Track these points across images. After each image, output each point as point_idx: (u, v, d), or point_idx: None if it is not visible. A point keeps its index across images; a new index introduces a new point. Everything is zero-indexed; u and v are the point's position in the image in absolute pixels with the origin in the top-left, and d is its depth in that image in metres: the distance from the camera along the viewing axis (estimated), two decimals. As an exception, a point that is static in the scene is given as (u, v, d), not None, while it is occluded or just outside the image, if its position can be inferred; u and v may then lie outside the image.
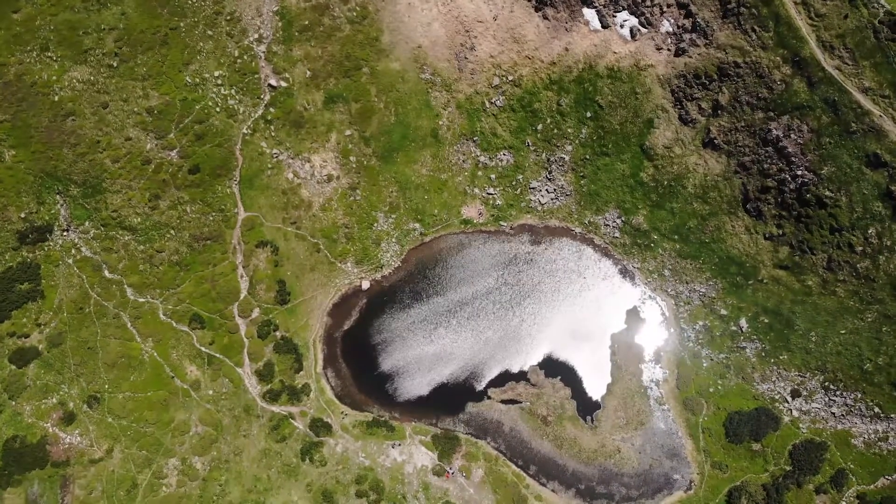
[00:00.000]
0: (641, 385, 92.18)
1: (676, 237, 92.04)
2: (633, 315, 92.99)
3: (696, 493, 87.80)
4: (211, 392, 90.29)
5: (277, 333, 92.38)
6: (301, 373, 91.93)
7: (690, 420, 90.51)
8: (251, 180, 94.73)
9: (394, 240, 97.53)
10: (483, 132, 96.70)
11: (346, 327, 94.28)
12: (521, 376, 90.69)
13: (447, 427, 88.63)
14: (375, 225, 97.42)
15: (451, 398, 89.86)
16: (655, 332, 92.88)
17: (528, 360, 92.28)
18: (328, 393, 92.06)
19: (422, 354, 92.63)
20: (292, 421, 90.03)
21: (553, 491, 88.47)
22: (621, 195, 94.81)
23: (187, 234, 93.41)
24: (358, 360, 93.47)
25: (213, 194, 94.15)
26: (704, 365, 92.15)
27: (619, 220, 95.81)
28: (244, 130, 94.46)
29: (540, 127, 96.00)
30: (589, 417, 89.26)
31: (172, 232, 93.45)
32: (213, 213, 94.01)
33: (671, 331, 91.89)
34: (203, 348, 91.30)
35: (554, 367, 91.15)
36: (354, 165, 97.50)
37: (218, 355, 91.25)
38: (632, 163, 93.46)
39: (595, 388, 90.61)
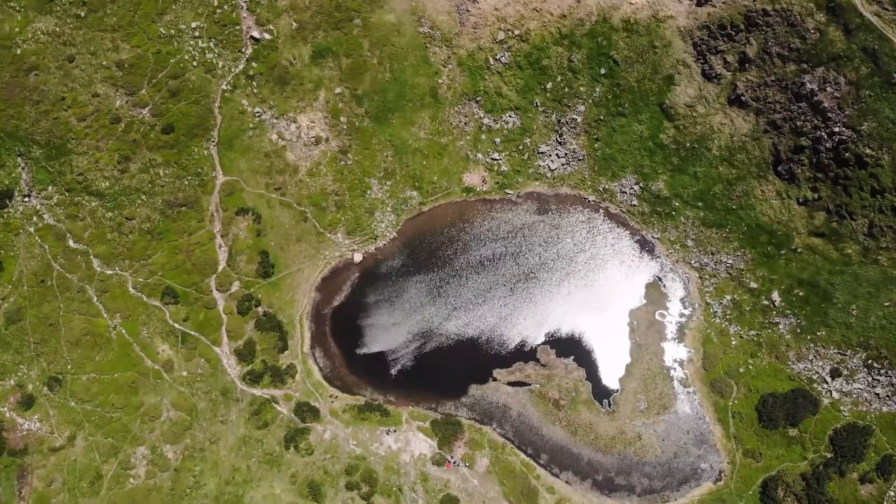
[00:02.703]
0: (664, 366, 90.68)
1: (700, 204, 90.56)
2: (654, 290, 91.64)
3: (727, 485, 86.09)
4: (185, 373, 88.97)
5: (259, 309, 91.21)
6: (286, 352, 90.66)
7: (719, 404, 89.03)
8: (231, 141, 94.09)
9: (389, 209, 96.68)
10: (487, 92, 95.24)
11: (336, 303, 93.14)
12: (530, 356, 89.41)
13: (448, 412, 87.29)
14: (369, 192, 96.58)
15: (453, 380, 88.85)
16: (678, 308, 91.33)
17: (537, 338, 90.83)
18: (316, 374, 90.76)
19: (420, 333, 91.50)
20: (275, 405, 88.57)
21: (567, 482, 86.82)
22: (639, 159, 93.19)
23: (160, 199, 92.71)
24: (349, 338, 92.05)
25: (189, 156, 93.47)
26: (733, 343, 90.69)
27: (636, 187, 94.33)
28: (223, 87, 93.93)
29: (549, 86, 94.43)
30: (606, 401, 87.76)
31: (144, 197, 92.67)
32: (189, 177, 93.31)
33: (696, 306, 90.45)
34: (177, 325, 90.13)
35: (566, 347, 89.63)
36: (345, 127, 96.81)
37: (193, 333, 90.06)
38: (650, 123, 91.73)
39: (612, 369, 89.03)
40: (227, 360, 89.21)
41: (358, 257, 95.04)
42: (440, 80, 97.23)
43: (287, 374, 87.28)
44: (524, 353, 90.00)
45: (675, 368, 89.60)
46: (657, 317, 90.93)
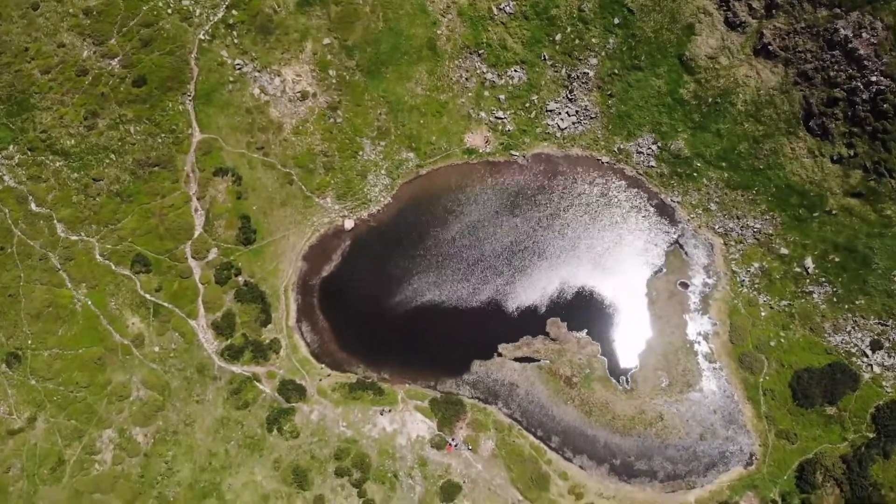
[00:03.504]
0: (687, 339, 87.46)
1: (724, 164, 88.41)
2: (674, 258, 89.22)
3: (759, 469, 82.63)
4: (157, 349, 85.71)
5: (240, 279, 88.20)
6: (269, 326, 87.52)
7: (748, 380, 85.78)
8: (209, 96, 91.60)
9: (383, 171, 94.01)
10: (490, 44, 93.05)
11: (324, 273, 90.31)
12: (539, 330, 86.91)
13: (449, 390, 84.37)
14: (360, 153, 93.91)
15: (454, 356, 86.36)
16: (702, 277, 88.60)
17: (546, 311, 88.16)
18: (302, 350, 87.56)
19: (417, 305, 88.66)
20: (257, 384, 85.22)
21: (581, 467, 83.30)
22: (657, 116, 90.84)
23: (130, 158, 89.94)
24: (339, 311, 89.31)
25: (163, 112, 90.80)
26: (763, 314, 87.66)
27: (654, 147, 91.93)
28: (201, 36, 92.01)
29: (558, 37, 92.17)
30: (623, 378, 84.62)
31: (112, 156, 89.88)
32: (163, 135, 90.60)
33: (721, 275, 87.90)
34: (148, 296, 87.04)
35: (578, 320, 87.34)
36: (334, 81, 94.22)
37: (166, 304, 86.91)
38: (669, 77, 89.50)
39: (630, 343, 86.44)
40: (204, 335, 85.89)
41: (349, 224, 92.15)
42: (439, 31, 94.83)
43: (270, 350, 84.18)
44: (532, 327, 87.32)
45: (699, 342, 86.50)
46: (678, 287, 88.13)
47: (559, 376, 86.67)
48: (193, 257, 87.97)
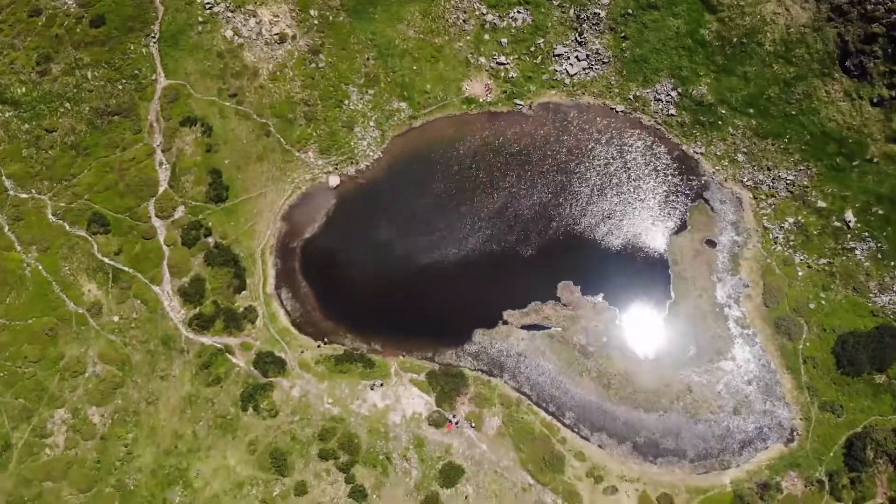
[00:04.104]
0: (715, 302, 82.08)
1: (752, 111, 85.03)
2: (699, 214, 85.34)
3: (802, 446, 76.62)
4: (116, 319, 79.59)
5: (210, 240, 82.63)
6: (243, 293, 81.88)
7: (786, 347, 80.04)
8: (175, 38, 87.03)
9: (372, 123, 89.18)
10: None
11: (307, 235, 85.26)
12: (549, 294, 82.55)
13: (448, 362, 79.21)
14: (346, 102, 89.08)
15: (454, 324, 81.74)
16: (730, 235, 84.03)
17: (556, 273, 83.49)
18: (282, 319, 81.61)
19: (411, 268, 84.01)
20: (230, 357, 79.11)
21: (600, 446, 77.15)
22: (676, 60, 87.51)
23: (87, 107, 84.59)
24: (324, 277, 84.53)
25: (124, 55, 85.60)
26: (800, 274, 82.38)
27: (674, 93, 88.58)
28: None
29: None
30: (645, 347, 78.36)
31: (68, 105, 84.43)
32: (124, 81, 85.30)
33: (751, 232, 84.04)
34: (107, 260, 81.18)
35: (593, 283, 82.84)
36: (316, 22, 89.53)
37: (127, 269, 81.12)
38: (688, 17, 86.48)
39: (651, 307, 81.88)
40: (170, 302, 79.78)
41: (334, 181, 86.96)
42: None
43: (245, 319, 78.45)
44: (541, 291, 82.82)
45: (729, 306, 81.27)
46: (704, 245, 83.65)
47: (573, 345, 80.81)
48: (157, 216, 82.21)
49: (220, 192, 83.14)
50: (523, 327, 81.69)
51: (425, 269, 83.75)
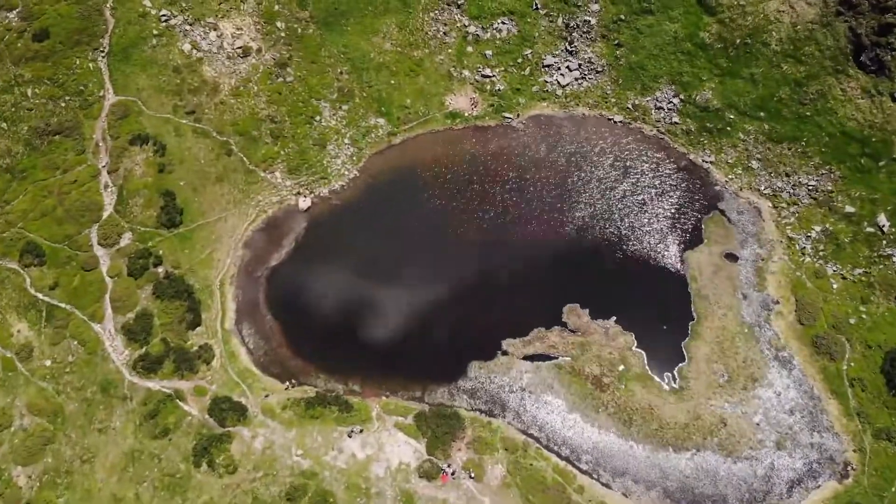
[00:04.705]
0: (743, 322, 75.90)
1: (763, 114, 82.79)
2: (715, 226, 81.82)
3: (859, 481, 68.51)
4: (48, 363, 72.33)
5: (160, 269, 76.53)
6: (198, 329, 75.35)
7: (829, 369, 73.29)
8: (127, 52, 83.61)
9: (347, 140, 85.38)
10: None
11: (273, 263, 79.60)
12: (554, 320, 76.99)
13: (440, 401, 72.76)
14: (318, 118, 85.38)
15: (445, 356, 75.45)
16: (752, 247, 79.83)
17: (561, 296, 78.17)
18: (242, 358, 74.31)
19: (394, 297, 78.05)
20: (181, 404, 70.98)
21: (624, 494, 68.69)
22: (676, 65, 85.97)
23: (26, 127, 79.31)
24: (293, 309, 78.33)
25: (69, 71, 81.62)
26: (834, 286, 76.87)
27: (676, 100, 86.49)
28: None
29: None
30: (668, 375, 72.94)
31: (4, 125, 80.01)
32: (68, 98, 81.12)
33: (774, 243, 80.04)
34: (41, 295, 75.03)
35: (603, 305, 77.46)
36: (283, 35, 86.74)
37: (63, 305, 74.64)
38: (686, 20, 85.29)
39: (672, 330, 76.05)
40: (111, 342, 72.39)
41: (304, 203, 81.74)
42: None
43: (199, 360, 71.87)
44: (545, 316, 77.12)
45: (760, 325, 75.28)
46: (724, 260, 79.15)
47: (585, 377, 73.35)
48: (101, 244, 75.76)
49: (174, 217, 77.29)
50: (526, 358, 75.31)
51: (410, 297, 77.75)
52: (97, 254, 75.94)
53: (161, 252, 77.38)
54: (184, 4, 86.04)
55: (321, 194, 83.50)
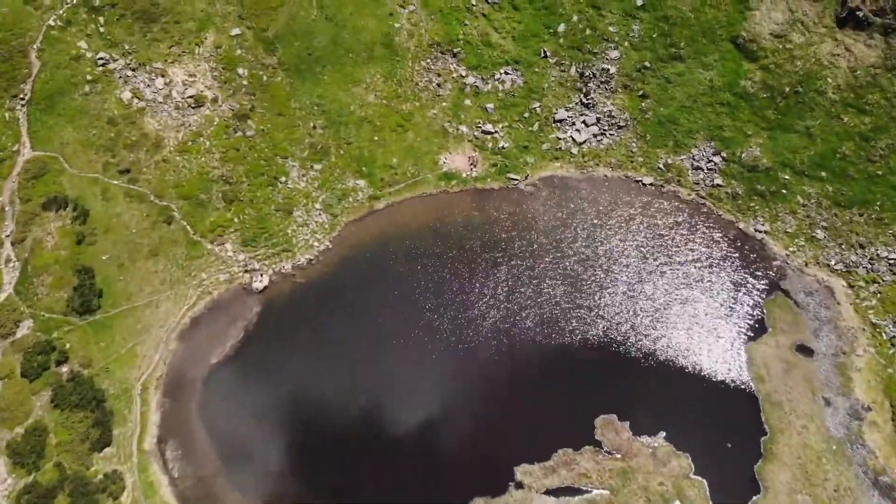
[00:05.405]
0: (829, 437, 60.74)
1: (825, 174, 73.15)
2: (781, 310, 68.54)
3: None
4: None
5: (64, 369, 64.12)
6: (106, 451, 60.93)
7: (952, 501, 54.99)
8: (52, 100, 72.93)
9: (318, 205, 74.23)
10: (469, 41, 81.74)
11: (214, 360, 66.34)
12: (584, 437, 61.14)
13: None
14: (283, 180, 73.85)
15: (438, 490, 58.87)
16: (829, 338, 67.43)
17: (592, 405, 62.93)
18: (163, 491, 59.48)
19: (372, 406, 62.69)
20: (73, 559, 51.35)
21: None
22: (714, 118, 77.20)
23: (-89, 188, 63.82)
24: (235, 423, 62.48)
25: (-23, 121, 66.96)
26: (942, 387, 60.20)
27: (717, 158, 77.16)
28: (50, 22, 73.89)
29: (561, 28, 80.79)
30: (740, 512, 53.67)
31: None
32: (-30, 170, 66.71)
33: (857, 331, 66.44)
34: None
35: (647, 416, 62.12)
36: (246, 83, 75.36)
37: (-74, 419, 55.93)
38: (722, 67, 77.38)
39: (740, 449, 60.40)
40: (-13, 469, 53.78)
41: (260, 282, 68.51)
42: (397, 25, 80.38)
43: (103, 493, 57.81)
44: (572, 433, 61.46)
45: (851, 441, 61.29)
46: (796, 354, 66.39)
47: (628, 515, 54.49)
48: (-10, 335, 58.55)
49: (89, 300, 64.18)
50: (548, 492, 58.69)
51: (393, 409, 62.15)
52: (-17, 348, 58.66)
53: (68, 346, 63.30)
54: (127, 47, 74.42)
55: (282, 270, 70.33)
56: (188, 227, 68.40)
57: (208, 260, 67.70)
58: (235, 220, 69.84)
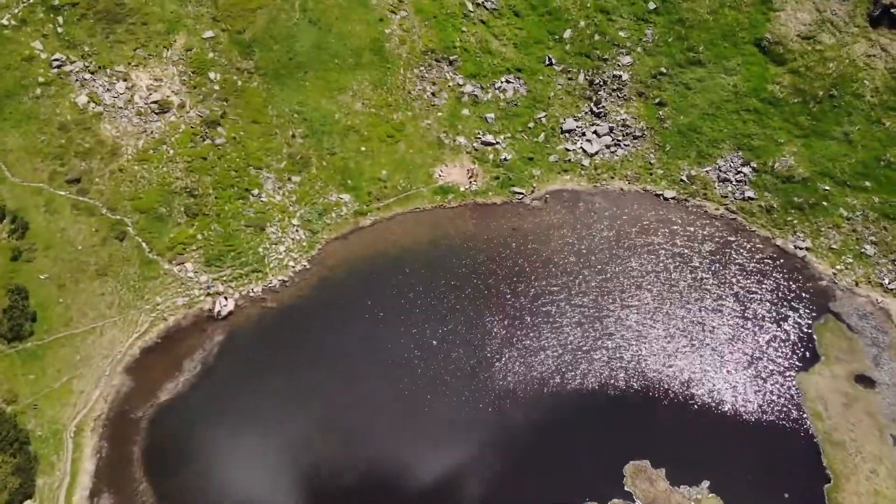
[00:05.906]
0: (909, 484, 48.85)
1: (870, 183, 67.67)
2: (833, 336, 60.79)
3: None
4: None
5: None
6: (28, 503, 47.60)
7: None
8: None
9: (296, 220, 67.86)
10: (467, 48, 76.33)
11: (164, 398, 56.80)
12: (613, 488, 52.39)
13: None
14: (256, 192, 66.71)
15: None
16: (891, 365, 59.68)
17: (620, 449, 54.56)
18: None
19: (352, 454, 54.19)
20: None
21: None
22: (741, 126, 71.80)
23: None
24: (184, 472, 53.20)
25: None
26: None
27: (747, 169, 71.00)
28: (3, 21, 67.04)
29: (567, 34, 75.88)
30: (806, 581, 43.69)
31: None
32: None
33: None
34: None
35: (687, 462, 53.47)
36: (218, 88, 69.68)
37: None
38: (747, 71, 72.59)
39: (797, 499, 51.66)
40: None
41: (225, 307, 59.37)
42: (388, 31, 75.61)
43: None
44: (597, 483, 52.92)
45: None
46: (856, 385, 57.95)
47: (669, 587, 44.34)
48: None
49: (20, 324, 55.66)
50: None
51: (376, 458, 53.60)
52: None
53: (-11, 379, 50.97)
54: (86, 48, 67.74)
55: (251, 294, 62.22)
56: (143, 244, 60.15)
57: (165, 281, 59.00)
58: (199, 236, 61.50)
